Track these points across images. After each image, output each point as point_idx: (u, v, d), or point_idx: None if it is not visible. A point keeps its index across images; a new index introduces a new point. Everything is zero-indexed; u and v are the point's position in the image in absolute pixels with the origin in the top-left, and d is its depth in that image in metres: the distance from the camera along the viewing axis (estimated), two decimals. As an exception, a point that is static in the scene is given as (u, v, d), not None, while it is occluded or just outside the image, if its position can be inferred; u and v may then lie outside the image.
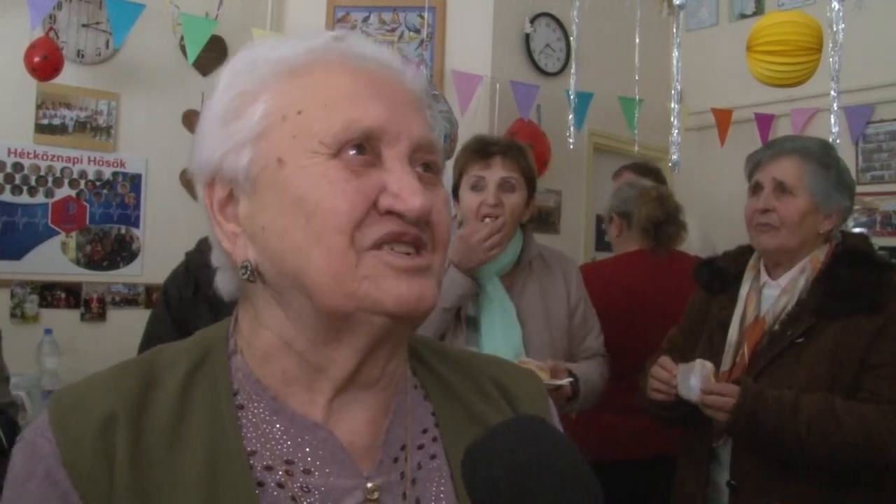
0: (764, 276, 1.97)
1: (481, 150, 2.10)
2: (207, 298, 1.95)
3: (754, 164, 1.99)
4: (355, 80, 0.69)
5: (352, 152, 0.67)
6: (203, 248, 2.06)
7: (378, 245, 0.66)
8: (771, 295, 1.92)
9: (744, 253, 2.08)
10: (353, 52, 0.71)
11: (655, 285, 2.79)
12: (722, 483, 1.88)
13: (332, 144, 0.66)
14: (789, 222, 1.87)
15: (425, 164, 0.71)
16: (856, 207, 4.88)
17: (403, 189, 0.66)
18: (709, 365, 1.77)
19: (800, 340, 1.80)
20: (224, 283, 0.77)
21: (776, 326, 1.86)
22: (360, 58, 0.71)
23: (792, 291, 1.87)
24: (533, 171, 2.14)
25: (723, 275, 2.07)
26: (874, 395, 1.72)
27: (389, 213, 0.66)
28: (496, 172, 2.06)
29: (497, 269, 2.08)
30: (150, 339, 2.05)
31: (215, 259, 0.76)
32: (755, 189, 1.96)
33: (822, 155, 1.90)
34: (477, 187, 2.07)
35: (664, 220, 2.86)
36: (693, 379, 1.76)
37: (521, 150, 2.13)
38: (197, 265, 2.05)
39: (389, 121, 0.68)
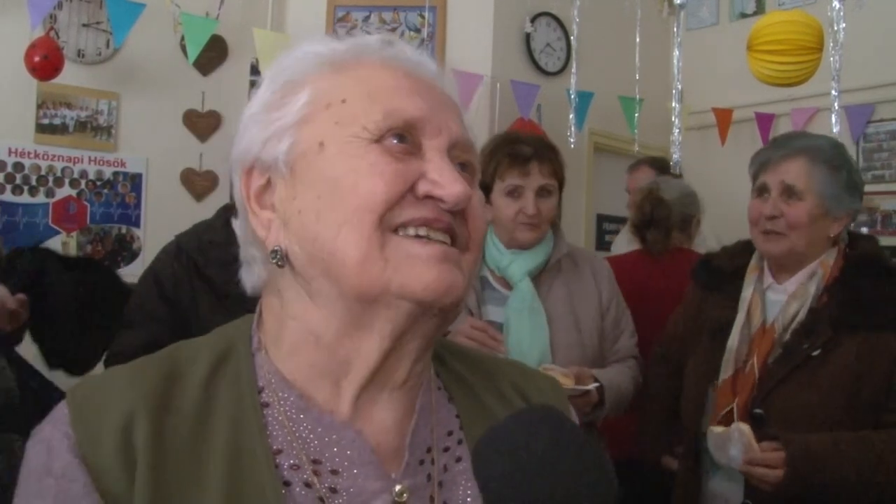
0: (768, 279, 1.89)
1: (517, 155, 2.01)
2: (204, 277, 1.96)
3: (760, 163, 1.90)
4: (398, 77, 0.71)
5: (393, 140, 0.68)
6: (197, 230, 2.06)
7: (406, 227, 0.66)
8: (777, 300, 1.84)
9: (744, 249, 1.99)
10: (398, 56, 0.74)
11: (653, 285, 2.79)
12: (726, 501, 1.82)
13: (375, 130, 0.67)
14: (798, 226, 1.78)
15: (462, 163, 0.72)
16: (857, 207, 4.89)
17: (443, 176, 0.67)
18: (746, 430, 1.65)
19: (816, 353, 1.71)
20: (249, 278, 0.76)
21: (787, 336, 1.76)
22: (404, 60, 0.74)
23: (803, 298, 1.78)
24: (564, 171, 2.10)
25: (721, 272, 1.99)
26: None
27: (427, 198, 0.67)
28: (535, 181, 2.00)
29: (529, 270, 2.03)
30: (133, 319, 2.01)
31: (242, 254, 0.77)
32: (761, 191, 1.86)
33: (833, 156, 1.81)
34: (514, 194, 2.01)
35: (646, 224, 2.85)
36: (733, 449, 1.65)
37: (554, 151, 2.08)
38: (189, 246, 2.04)
39: (431, 114, 0.70)
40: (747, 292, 1.88)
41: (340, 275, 0.66)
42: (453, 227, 0.68)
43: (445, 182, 0.67)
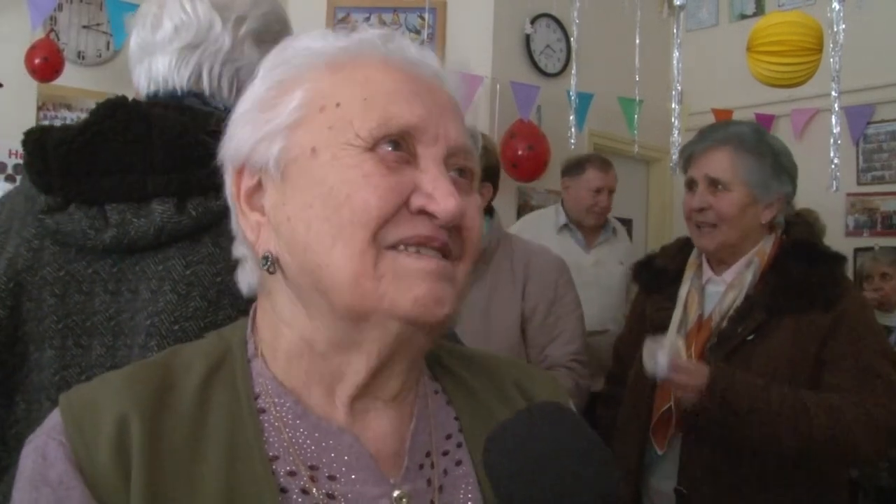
0: (707, 273, 1.88)
1: None
2: None
3: (686, 158, 1.90)
4: (396, 79, 0.68)
5: (388, 148, 0.65)
6: None
7: (399, 245, 0.64)
8: (716, 292, 1.83)
9: (684, 246, 1.98)
10: (397, 54, 0.70)
11: None
12: (662, 490, 1.80)
13: (369, 138, 0.65)
14: (728, 217, 1.78)
15: (460, 169, 0.69)
16: (856, 207, 4.90)
17: (438, 189, 0.65)
18: (679, 343, 1.67)
19: (751, 338, 1.72)
20: (244, 277, 0.75)
21: (724, 324, 1.77)
22: (403, 60, 0.70)
23: (739, 286, 1.78)
24: (488, 161, 2.01)
25: (661, 274, 1.97)
26: (838, 387, 1.65)
27: (421, 213, 0.65)
28: None
29: None
30: None
31: (237, 250, 0.75)
32: (690, 185, 1.87)
33: (755, 143, 1.81)
34: None
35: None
36: (661, 356, 1.65)
37: None
38: None
39: (428, 121, 0.67)
40: (684, 289, 1.88)
41: (331, 289, 0.64)
42: (447, 244, 0.66)
43: (440, 197, 0.64)
